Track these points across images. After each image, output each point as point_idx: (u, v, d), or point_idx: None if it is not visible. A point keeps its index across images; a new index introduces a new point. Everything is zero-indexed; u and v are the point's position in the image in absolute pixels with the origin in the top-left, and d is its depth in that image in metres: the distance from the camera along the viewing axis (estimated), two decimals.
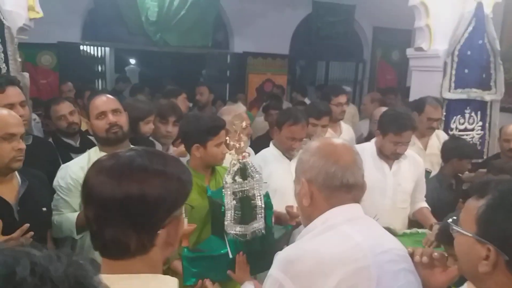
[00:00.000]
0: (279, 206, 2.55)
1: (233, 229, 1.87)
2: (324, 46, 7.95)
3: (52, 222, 2.13)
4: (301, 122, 2.59)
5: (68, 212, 2.15)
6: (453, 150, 3.22)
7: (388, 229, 2.55)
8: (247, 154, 1.95)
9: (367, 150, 2.66)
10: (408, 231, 2.72)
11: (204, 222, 2.04)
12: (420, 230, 2.70)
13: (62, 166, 2.28)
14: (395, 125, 2.53)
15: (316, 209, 1.30)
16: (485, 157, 4.01)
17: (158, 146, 2.88)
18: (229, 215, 1.88)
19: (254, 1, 6.80)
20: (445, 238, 1.76)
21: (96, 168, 0.96)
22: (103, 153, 2.07)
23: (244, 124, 1.93)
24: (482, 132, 4.00)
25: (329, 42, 7.82)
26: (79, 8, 6.30)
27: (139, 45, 7.33)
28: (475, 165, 3.43)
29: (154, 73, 9.99)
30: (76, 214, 2.12)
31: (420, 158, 2.85)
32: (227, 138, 1.93)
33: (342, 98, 3.68)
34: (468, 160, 3.18)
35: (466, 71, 3.67)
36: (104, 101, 2.21)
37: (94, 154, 2.21)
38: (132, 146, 2.18)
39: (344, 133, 3.67)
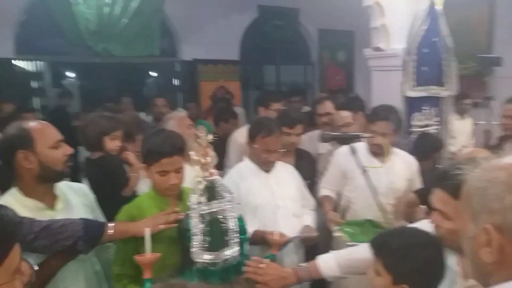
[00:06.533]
0: (261, 225, 2.35)
1: (200, 256, 1.64)
2: (272, 50, 7.87)
3: None
4: (274, 133, 2.41)
5: None
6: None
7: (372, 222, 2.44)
8: (215, 171, 1.73)
9: (361, 149, 2.60)
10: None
11: (169, 251, 1.79)
12: None
13: None
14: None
15: (507, 269, 0.85)
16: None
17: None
18: (196, 241, 1.65)
19: (199, 6, 6.56)
20: None
21: None
22: (29, 199, 1.72)
23: (210, 136, 1.71)
24: (439, 127, 4.02)
25: (277, 46, 7.75)
26: (9, 21, 5.77)
27: (80, 57, 6.86)
28: None
29: (96, 86, 9.44)
30: None
31: (413, 158, 2.81)
32: (192, 152, 1.70)
33: (277, 105, 3.52)
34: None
35: (425, 68, 3.65)
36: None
37: (13, 200, 1.66)
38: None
39: None
